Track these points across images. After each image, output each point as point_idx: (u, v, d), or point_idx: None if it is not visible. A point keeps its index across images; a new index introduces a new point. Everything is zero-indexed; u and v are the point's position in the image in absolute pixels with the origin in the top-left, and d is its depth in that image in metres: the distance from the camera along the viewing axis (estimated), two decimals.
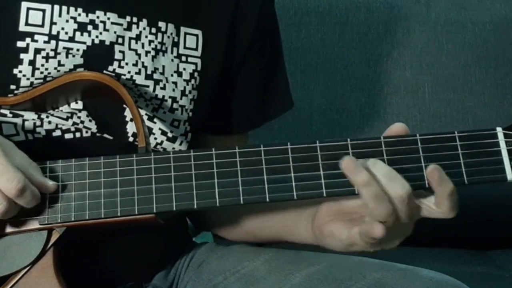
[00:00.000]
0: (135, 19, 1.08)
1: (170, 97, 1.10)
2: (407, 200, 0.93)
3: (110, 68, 1.05)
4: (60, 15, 1.04)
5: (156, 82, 1.08)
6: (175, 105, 1.10)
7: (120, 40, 1.06)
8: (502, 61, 1.85)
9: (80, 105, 1.05)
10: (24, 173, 0.91)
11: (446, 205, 0.93)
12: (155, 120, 1.09)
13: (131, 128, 1.07)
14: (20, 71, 1.02)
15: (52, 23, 1.03)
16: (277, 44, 1.26)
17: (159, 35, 1.09)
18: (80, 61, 1.04)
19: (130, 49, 1.07)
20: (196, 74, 1.13)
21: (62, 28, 1.04)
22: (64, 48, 1.03)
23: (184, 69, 1.12)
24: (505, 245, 1.81)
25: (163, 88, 1.09)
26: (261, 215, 1.13)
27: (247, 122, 1.24)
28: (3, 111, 1.02)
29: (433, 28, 1.85)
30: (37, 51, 1.02)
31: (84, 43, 1.04)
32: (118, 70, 1.06)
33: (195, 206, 0.95)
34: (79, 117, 1.04)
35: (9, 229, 0.95)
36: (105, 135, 1.06)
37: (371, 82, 1.83)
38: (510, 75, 1.85)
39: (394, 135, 0.98)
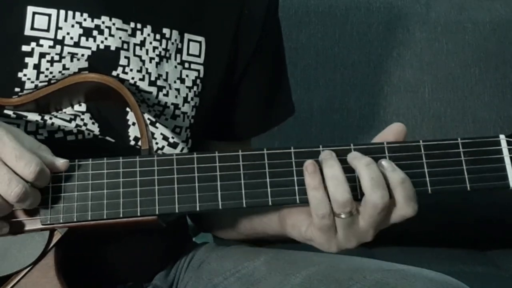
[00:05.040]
0: (139, 25, 1.08)
1: (172, 103, 1.10)
2: (381, 210, 0.94)
3: (114, 73, 1.06)
4: (65, 20, 1.04)
5: (160, 88, 1.08)
6: (177, 112, 1.11)
7: (125, 46, 1.07)
8: (502, 61, 1.85)
9: (83, 107, 1.05)
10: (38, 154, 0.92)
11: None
12: (157, 125, 1.09)
13: (132, 132, 1.07)
14: (24, 75, 1.02)
15: (57, 27, 1.03)
16: (281, 51, 1.27)
17: (163, 41, 1.09)
18: (84, 64, 1.04)
19: (134, 55, 1.07)
20: (198, 81, 1.13)
21: (68, 33, 1.04)
22: (69, 53, 1.03)
23: (187, 75, 1.12)
24: (505, 245, 1.81)
25: (166, 94, 1.09)
26: (250, 214, 1.14)
27: (252, 128, 1.25)
28: (6, 111, 1.02)
29: (433, 28, 1.85)
30: (42, 55, 1.02)
31: (89, 48, 1.04)
32: (122, 76, 1.06)
33: (198, 209, 0.95)
34: (82, 119, 1.04)
35: (11, 229, 0.95)
36: (107, 138, 1.06)
37: (371, 82, 1.83)
38: (510, 75, 1.85)
39: (395, 138, 0.98)
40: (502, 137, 0.99)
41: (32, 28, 1.03)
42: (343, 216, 0.94)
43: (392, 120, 1.81)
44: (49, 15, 1.03)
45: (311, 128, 1.80)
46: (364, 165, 0.94)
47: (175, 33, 1.10)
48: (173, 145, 1.10)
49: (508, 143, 0.98)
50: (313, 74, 1.82)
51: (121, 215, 0.95)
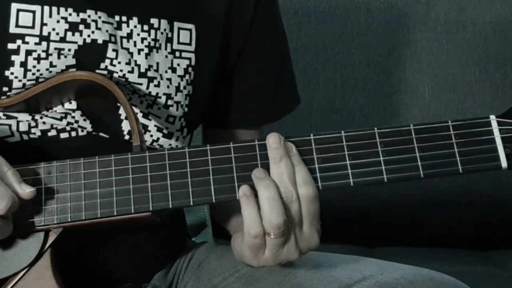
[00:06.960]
0: (124, 18, 1.07)
1: (164, 94, 1.09)
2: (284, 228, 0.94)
3: (102, 65, 1.05)
4: (50, 16, 1.03)
5: (150, 79, 1.08)
6: (169, 102, 1.10)
7: (113, 39, 1.06)
8: (502, 61, 1.86)
9: (74, 105, 1.04)
10: (4, 183, 0.91)
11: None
12: (150, 117, 1.08)
13: (126, 126, 1.06)
14: (12, 73, 1.01)
15: (42, 24, 1.03)
16: (280, 39, 1.25)
17: (152, 31, 1.09)
18: (72, 61, 1.03)
19: (122, 48, 1.07)
20: (190, 69, 1.12)
21: (53, 29, 1.03)
22: (55, 49, 1.03)
23: (178, 64, 1.11)
24: (505, 245, 1.81)
25: (157, 85, 1.08)
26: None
27: (254, 117, 1.23)
28: None
29: (433, 28, 1.86)
30: (28, 52, 1.02)
31: (76, 43, 1.04)
32: (110, 68, 1.05)
33: (191, 203, 0.95)
34: (73, 117, 1.04)
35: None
36: (101, 134, 1.06)
37: (371, 82, 1.84)
38: (510, 75, 1.86)
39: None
40: (492, 117, 0.98)
41: (17, 26, 1.02)
42: (272, 236, 0.94)
43: (392, 120, 1.81)
44: (34, 12, 1.03)
45: (311, 127, 1.80)
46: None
47: (164, 22, 1.10)
48: (168, 136, 1.10)
49: (499, 123, 0.97)
50: (313, 74, 1.83)
51: (115, 213, 0.95)
